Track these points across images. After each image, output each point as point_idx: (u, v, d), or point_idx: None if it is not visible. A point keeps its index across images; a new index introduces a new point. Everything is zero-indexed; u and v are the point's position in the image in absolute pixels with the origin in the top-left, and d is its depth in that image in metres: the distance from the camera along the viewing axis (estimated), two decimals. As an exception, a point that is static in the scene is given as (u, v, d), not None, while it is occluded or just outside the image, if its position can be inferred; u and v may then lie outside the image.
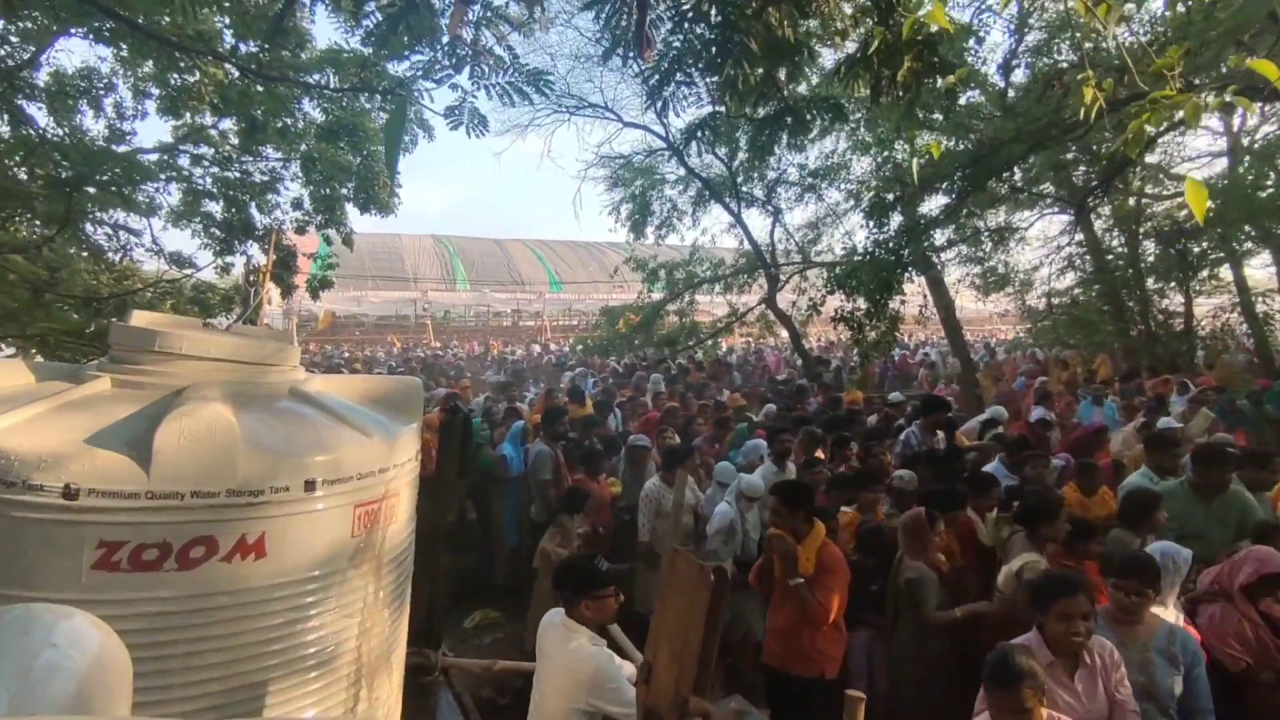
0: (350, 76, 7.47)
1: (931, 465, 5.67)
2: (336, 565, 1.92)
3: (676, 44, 2.89)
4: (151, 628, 1.61)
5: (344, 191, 9.85)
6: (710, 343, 14.89)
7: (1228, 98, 2.12)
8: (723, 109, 3.30)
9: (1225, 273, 16.68)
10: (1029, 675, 2.27)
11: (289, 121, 8.62)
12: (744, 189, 13.83)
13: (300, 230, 10.25)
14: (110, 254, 8.65)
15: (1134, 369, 13.52)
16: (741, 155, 13.01)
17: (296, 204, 10.11)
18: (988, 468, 5.49)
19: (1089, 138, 6.55)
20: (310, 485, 1.80)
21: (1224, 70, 6.24)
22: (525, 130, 14.46)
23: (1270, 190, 14.07)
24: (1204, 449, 4.69)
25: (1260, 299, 16.57)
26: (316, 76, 8.10)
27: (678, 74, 3.00)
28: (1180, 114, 1.99)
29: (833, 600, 3.74)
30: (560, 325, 34.33)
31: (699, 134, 3.94)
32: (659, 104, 3.18)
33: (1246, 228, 14.67)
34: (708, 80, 3.08)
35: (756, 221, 33.66)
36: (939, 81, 3.93)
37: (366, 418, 2.12)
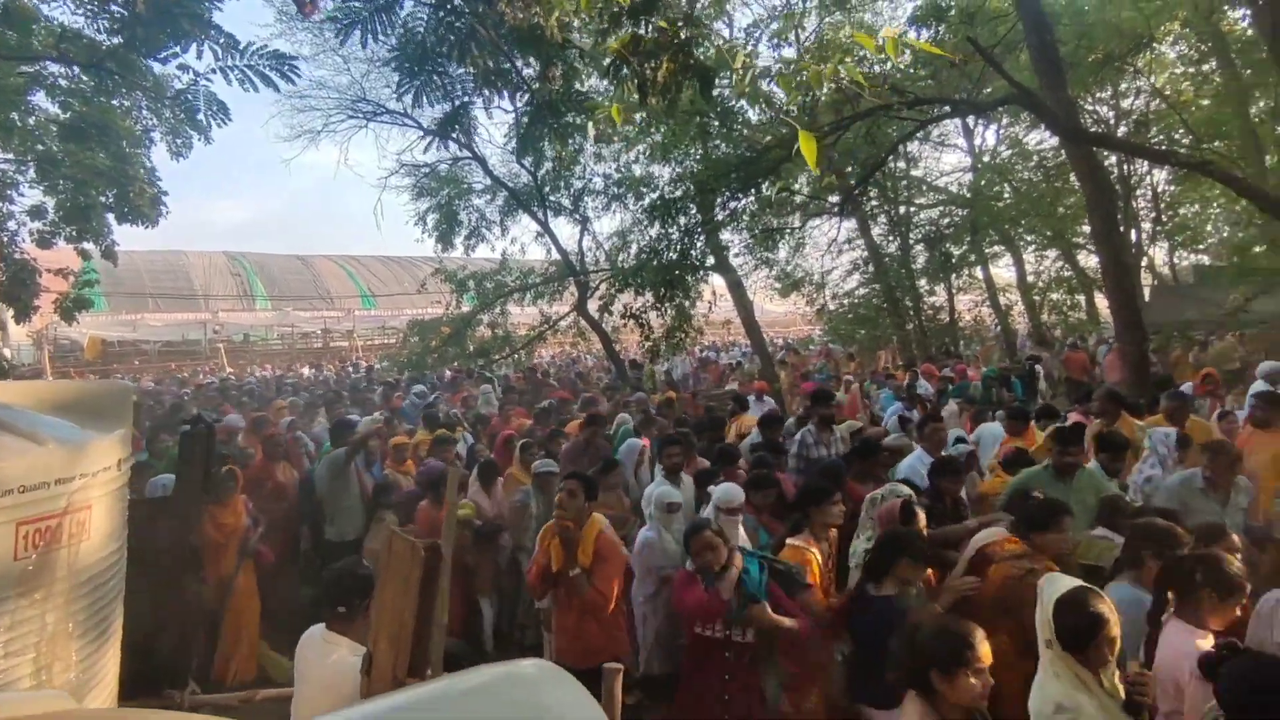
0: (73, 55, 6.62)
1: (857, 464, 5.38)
2: (-8, 593, 1.66)
3: (420, 31, 2.83)
4: None
5: (103, 199, 8.71)
6: (523, 352, 14.79)
7: (843, 72, 2.44)
8: (479, 100, 3.30)
9: (979, 272, 19.39)
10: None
11: (14, 116, 7.49)
12: (551, 198, 13.91)
13: (43, 243, 8.95)
14: None
15: (910, 359, 15.27)
16: (546, 165, 13.11)
17: (36, 212, 8.83)
18: (904, 468, 5.39)
19: (839, 145, 7.31)
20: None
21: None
22: (318, 137, 13.64)
23: (1006, 200, 16.52)
24: (1060, 430, 4.88)
25: (1002, 293, 19.44)
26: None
27: (427, 63, 2.94)
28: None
29: (611, 587, 3.86)
30: (375, 344, 32.60)
31: (455, 126, 3.90)
32: (411, 94, 3.10)
33: (991, 232, 17.13)
34: (460, 72, 3.05)
35: (566, 230, 34.02)
36: (698, 85, 4.18)
37: (39, 424, 1.86)
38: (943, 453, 5.58)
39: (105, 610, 2.11)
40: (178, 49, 3.08)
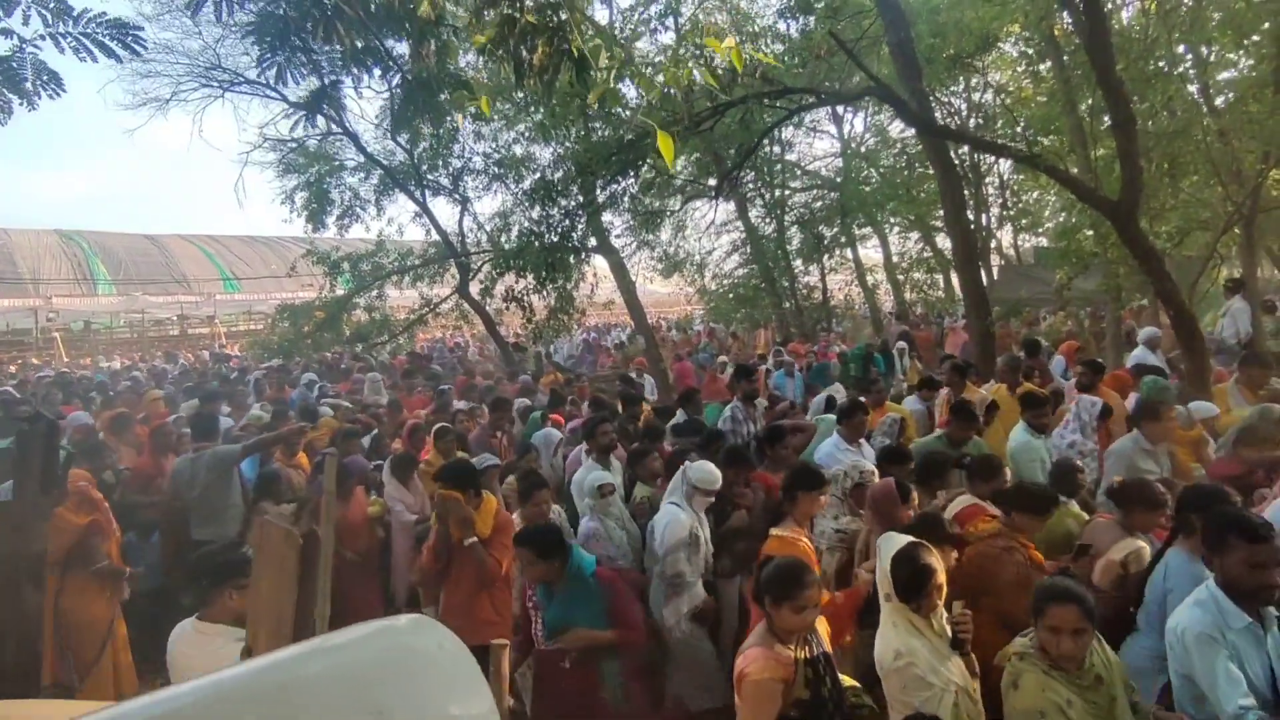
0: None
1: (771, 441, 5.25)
2: None
3: (282, 3, 2.72)
4: None
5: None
6: (404, 336, 14.35)
7: (694, 73, 2.60)
8: (346, 80, 3.21)
9: (849, 253, 20.51)
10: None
11: None
12: (429, 177, 13.50)
13: None
14: None
15: (787, 336, 16.03)
16: (423, 144, 12.68)
17: None
18: (822, 454, 5.21)
19: (716, 130, 7.56)
20: None
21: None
22: (166, 105, 12.54)
23: (874, 185, 17.53)
24: (958, 406, 5.39)
25: (870, 273, 20.71)
26: None
27: (291, 38, 2.82)
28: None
29: (506, 558, 3.92)
30: (240, 331, 30.52)
31: (323, 105, 3.76)
32: (273, 71, 2.97)
33: (860, 215, 18.15)
34: (328, 48, 2.95)
35: (445, 210, 32.94)
36: (574, 70, 4.21)
37: None
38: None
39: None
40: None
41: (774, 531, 3.73)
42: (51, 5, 2.79)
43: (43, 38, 3.01)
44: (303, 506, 5.20)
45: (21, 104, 7.31)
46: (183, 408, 8.42)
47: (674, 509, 4.14)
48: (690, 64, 2.47)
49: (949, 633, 2.66)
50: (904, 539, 2.79)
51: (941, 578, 2.66)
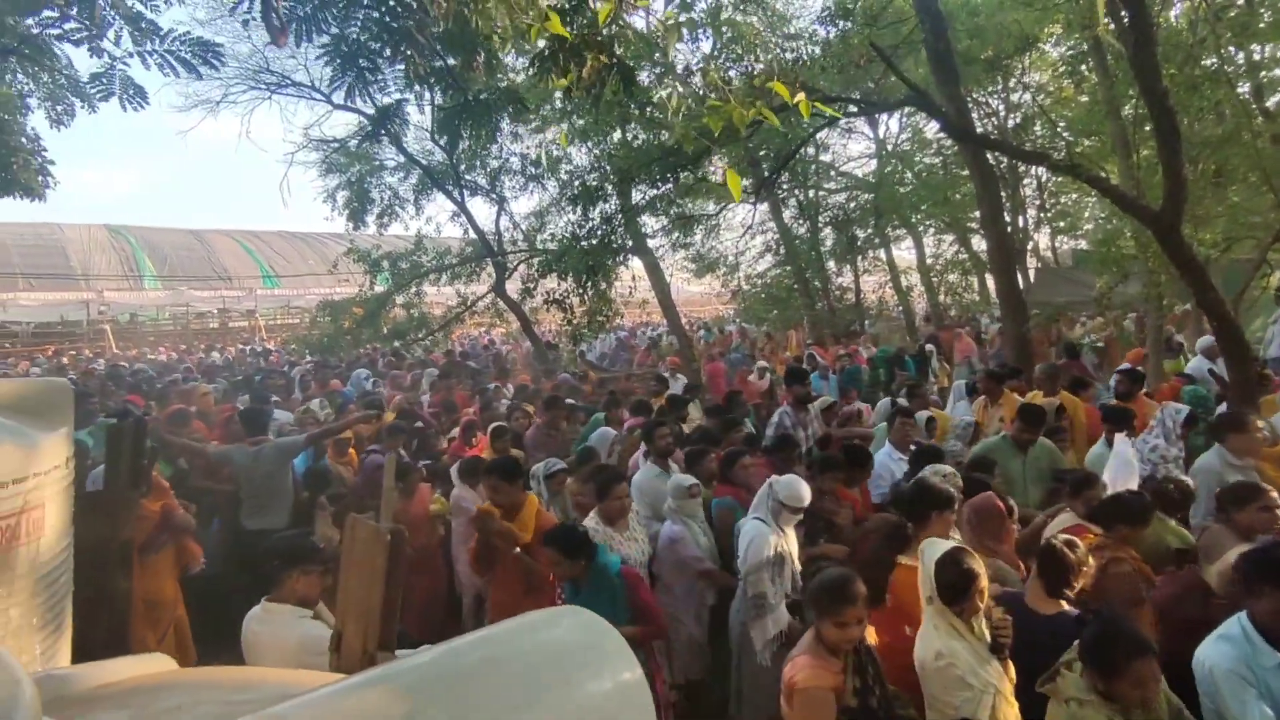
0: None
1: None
2: (-40, 590, 1.71)
3: (355, 30, 2.88)
4: None
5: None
6: (440, 334, 14.63)
7: (753, 114, 2.70)
8: (410, 97, 3.36)
9: (883, 254, 20.39)
10: None
11: None
12: (467, 177, 13.74)
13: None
14: None
15: (819, 338, 16.00)
16: (463, 144, 12.92)
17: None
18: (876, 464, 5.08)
19: (755, 139, 7.63)
20: (-89, 502, 1.60)
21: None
22: (217, 107, 12.95)
23: (909, 187, 17.40)
24: (1026, 408, 5.17)
25: (904, 275, 20.56)
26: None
27: (360, 60, 2.99)
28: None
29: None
30: (278, 324, 31.23)
31: (388, 122, 3.93)
32: (344, 90, 3.14)
33: (894, 217, 18.03)
34: (394, 68, 3.10)
35: (482, 210, 33.28)
36: (621, 83, 4.34)
37: (-9, 425, 1.89)
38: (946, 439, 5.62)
39: (60, 604, 2.17)
40: (89, 28, 2.99)
41: (903, 560, 3.39)
42: (142, 25, 2.98)
43: (130, 55, 3.21)
44: (344, 504, 5.41)
45: (83, 107, 7.61)
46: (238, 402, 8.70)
47: (760, 525, 3.85)
48: (757, 106, 2.56)
49: (988, 637, 2.74)
50: (945, 544, 2.87)
51: (984, 582, 2.74)
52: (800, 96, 2.38)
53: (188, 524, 4.53)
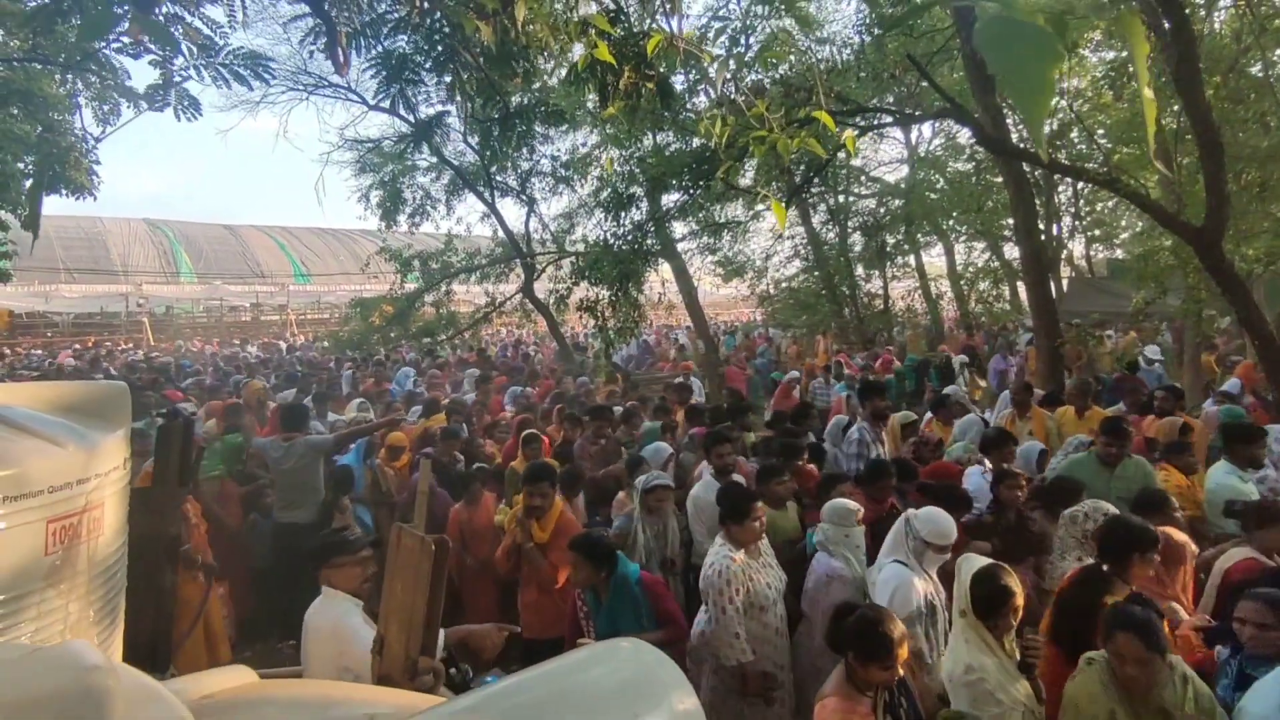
0: (19, 38, 6.33)
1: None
2: (30, 586, 1.80)
3: (403, 45, 2.96)
4: None
5: (21, 166, 8.34)
6: (469, 333, 14.81)
7: (797, 142, 2.72)
8: (452, 109, 3.44)
9: (912, 260, 20.19)
10: None
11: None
12: (498, 178, 13.89)
13: (-48, 214, 8.54)
14: None
15: (847, 345, 15.90)
16: (498, 150, 13.04)
17: (-54, 183, 8.37)
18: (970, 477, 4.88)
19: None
20: (-10, 503, 1.68)
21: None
22: (256, 108, 13.24)
23: (940, 191, 17.21)
24: (1110, 422, 5.01)
25: (934, 282, 20.34)
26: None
27: (405, 73, 3.07)
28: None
29: (563, 563, 4.11)
30: (308, 320, 31.77)
31: (431, 132, 4.02)
32: (390, 100, 3.22)
33: (925, 223, 17.86)
34: (438, 80, 3.18)
35: (512, 211, 33.50)
36: (657, 96, 4.39)
37: (58, 427, 1.98)
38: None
39: (114, 599, 2.26)
40: (155, 49, 3.10)
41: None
42: (201, 43, 3.09)
43: (188, 69, 3.33)
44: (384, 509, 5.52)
45: (128, 106, 7.75)
46: (277, 398, 8.85)
47: (901, 570, 3.36)
48: (801, 136, 2.59)
49: (1018, 654, 2.73)
50: (982, 560, 2.88)
51: (1020, 600, 2.73)
52: (849, 134, 2.40)
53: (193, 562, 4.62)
